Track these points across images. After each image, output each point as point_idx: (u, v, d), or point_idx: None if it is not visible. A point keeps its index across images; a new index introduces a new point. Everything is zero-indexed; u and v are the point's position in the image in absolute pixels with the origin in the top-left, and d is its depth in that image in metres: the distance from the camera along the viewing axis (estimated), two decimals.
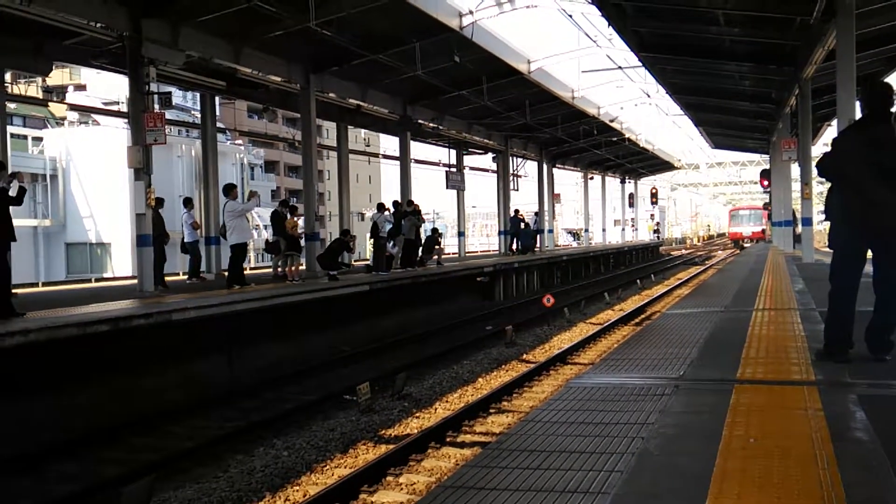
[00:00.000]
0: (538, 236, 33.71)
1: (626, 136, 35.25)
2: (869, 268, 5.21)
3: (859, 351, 5.28)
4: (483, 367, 12.05)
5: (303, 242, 17.36)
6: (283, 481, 6.70)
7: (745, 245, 47.90)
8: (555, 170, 38.21)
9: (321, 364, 12.34)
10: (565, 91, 25.74)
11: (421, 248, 21.14)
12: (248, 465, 7.16)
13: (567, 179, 55.37)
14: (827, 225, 5.38)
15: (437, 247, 22.39)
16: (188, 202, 17.13)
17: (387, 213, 19.27)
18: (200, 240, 17.50)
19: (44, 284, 21.43)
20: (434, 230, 23.71)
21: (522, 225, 29.94)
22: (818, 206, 25.98)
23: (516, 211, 30.38)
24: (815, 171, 16.19)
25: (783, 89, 21.53)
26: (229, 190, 14.55)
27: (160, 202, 14.49)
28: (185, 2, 13.53)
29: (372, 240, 19.76)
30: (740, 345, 6.22)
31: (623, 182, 51.20)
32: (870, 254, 5.21)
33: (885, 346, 5.22)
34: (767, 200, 40.40)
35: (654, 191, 56.22)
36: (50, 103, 37.25)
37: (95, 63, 15.18)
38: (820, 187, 30.31)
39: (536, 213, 34.01)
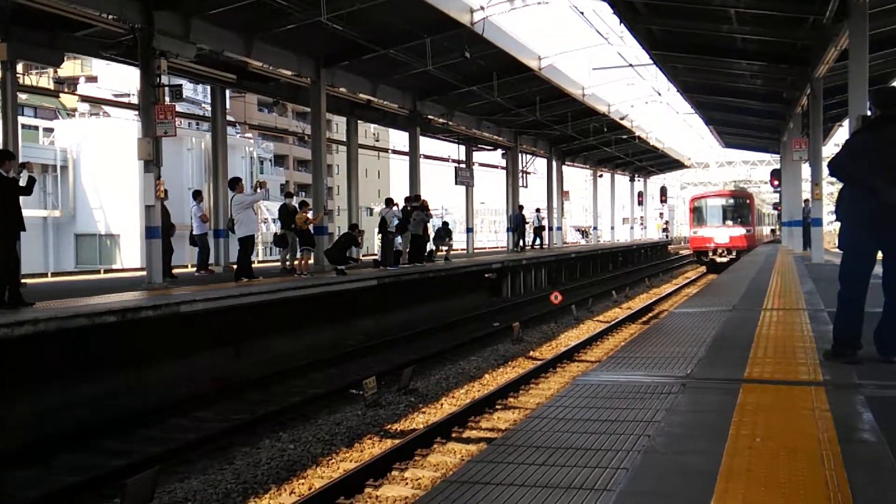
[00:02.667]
0: (542, 233, 33.69)
1: (637, 133, 35.15)
2: (879, 269, 5.19)
3: (868, 352, 5.26)
4: (490, 363, 12.06)
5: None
6: (288, 474, 6.72)
7: (720, 260, 30.69)
8: (564, 167, 38.18)
9: (329, 358, 12.36)
10: (576, 88, 25.69)
11: (432, 240, 21.17)
12: (254, 458, 7.18)
13: (576, 177, 55.34)
14: (837, 225, 5.35)
15: (447, 239, 22.43)
16: (198, 195, 17.20)
17: (395, 208, 19.27)
18: (209, 232, 17.58)
19: (53, 275, 21.53)
20: (445, 223, 23.72)
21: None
22: (828, 207, 25.85)
23: (520, 206, 30.42)
24: (826, 172, 16.11)
25: (794, 89, 21.41)
26: (235, 184, 14.61)
27: (164, 194, 14.55)
28: None
29: (380, 235, 19.78)
30: (748, 344, 6.19)
31: (632, 180, 51.10)
32: (880, 255, 5.19)
33: (895, 347, 5.20)
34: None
35: (663, 189, 56.09)
36: (61, 94, 37.35)
37: (107, 55, 15.21)
38: (830, 188, 30.15)
39: (538, 210, 33.93)
